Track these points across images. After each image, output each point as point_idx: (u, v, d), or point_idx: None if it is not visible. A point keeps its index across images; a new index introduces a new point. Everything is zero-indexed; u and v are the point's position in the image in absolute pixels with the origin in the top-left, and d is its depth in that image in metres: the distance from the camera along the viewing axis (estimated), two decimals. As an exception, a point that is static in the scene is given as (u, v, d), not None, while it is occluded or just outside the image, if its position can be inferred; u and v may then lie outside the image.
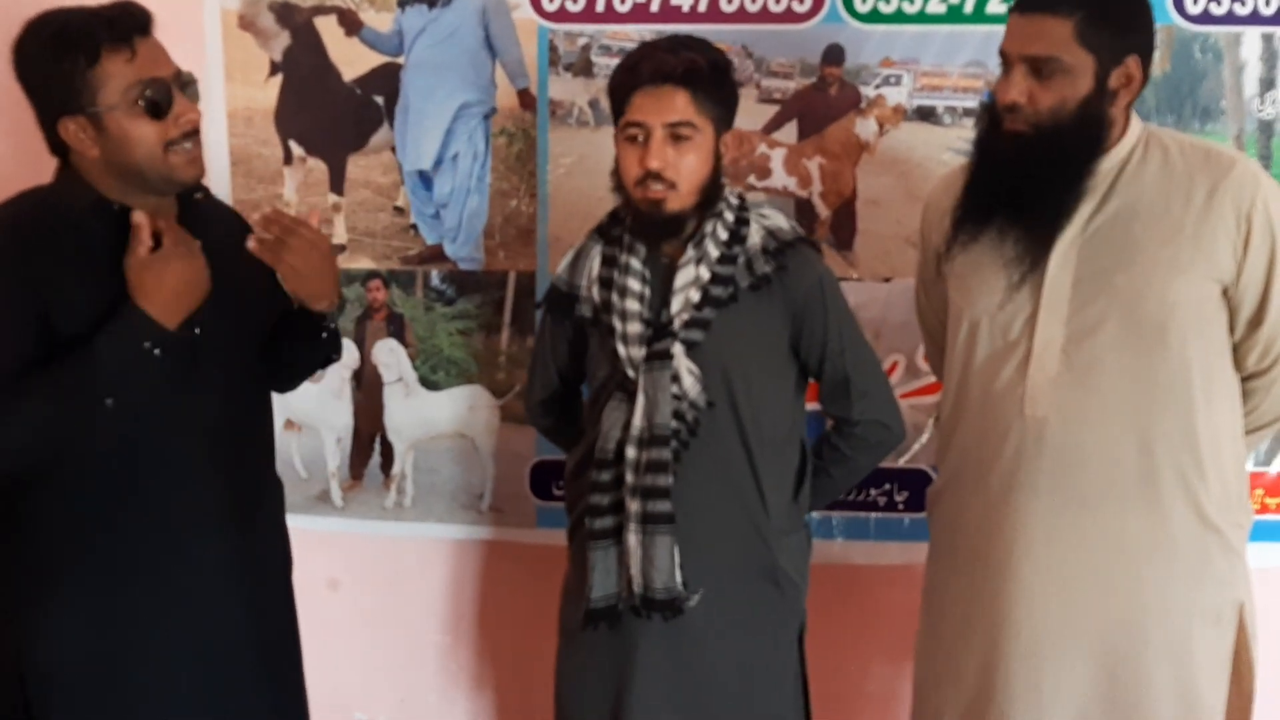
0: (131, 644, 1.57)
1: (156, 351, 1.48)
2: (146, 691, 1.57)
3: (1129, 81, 1.56)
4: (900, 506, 2.26)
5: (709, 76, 1.68)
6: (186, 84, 1.54)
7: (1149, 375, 1.57)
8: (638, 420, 1.68)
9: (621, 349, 1.70)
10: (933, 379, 2.22)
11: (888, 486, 2.25)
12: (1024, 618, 1.61)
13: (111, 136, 1.49)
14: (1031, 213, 1.58)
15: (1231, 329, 1.61)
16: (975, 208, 1.64)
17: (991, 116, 1.61)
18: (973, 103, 2.17)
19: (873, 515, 2.27)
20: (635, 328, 1.69)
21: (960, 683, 1.69)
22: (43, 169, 1.60)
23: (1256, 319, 1.59)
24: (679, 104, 1.64)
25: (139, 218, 1.49)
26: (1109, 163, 1.59)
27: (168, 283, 1.49)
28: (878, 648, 2.38)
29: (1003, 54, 1.58)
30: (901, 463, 2.24)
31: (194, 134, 1.53)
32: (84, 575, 1.55)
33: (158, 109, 1.49)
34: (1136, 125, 1.62)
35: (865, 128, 2.20)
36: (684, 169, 1.65)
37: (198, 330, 1.57)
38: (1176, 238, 1.56)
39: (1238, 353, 1.63)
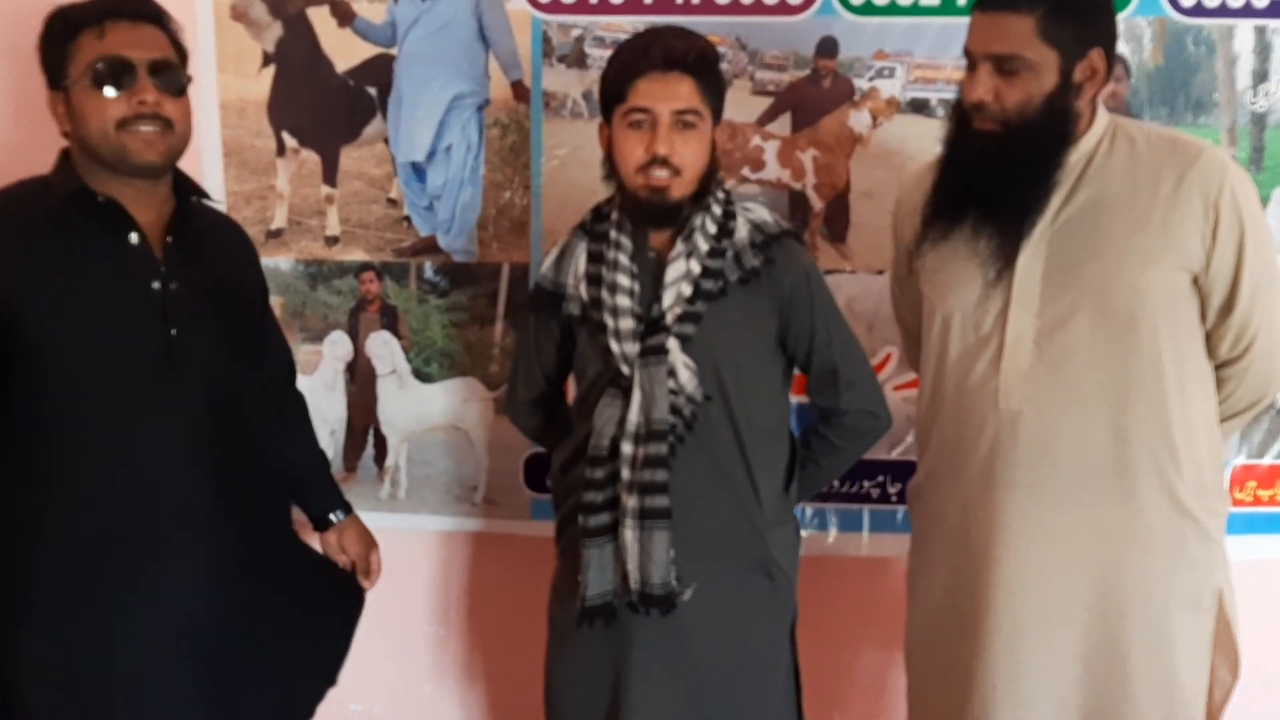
0: (108, 639, 1.56)
1: None
2: (124, 685, 1.57)
3: (1093, 74, 1.56)
4: (893, 498, 2.27)
5: (711, 66, 1.68)
6: (159, 70, 1.55)
7: (1121, 365, 1.57)
8: (634, 416, 1.67)
9: (615, 345, 1.69)
10: (926, 371, 2.24)
11: (881, 478, 2.26)
12: (1004, 609, 1.62)
13: (75, 112, 1.54)
14: (1004, 209, 1.58)
15: (1203, 317, 1.62)
16: (946, 205, 1.64)
17: (959, 115, 1.61)
18: (966, 95, 2.17)
19: (866, 507, 2.28)
20: (628, 323, 1.68)
21: (946, 674, 1.70)
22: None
23: (1227, 307, 1.60)
24: (685, 91, 1.64)
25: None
26: (1076, 155, 1.59)
27: None
28: (870, 639, 2.39)
29: (967, 53, 1.58)
30: (894, 454, 2.25)
31: (155, 119, 1.53)
32: (60, 571, 1.55)
33: (106, 83, 1.51)
34: (1103, 117, 1.63)
35: (859, 120, 2.20)
36: (689, 156, 1.65)
37: (174, 331, 1.57)
38: (1145, 227, 1.56)
39: (1210, 341, 1.63)
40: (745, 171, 2.22)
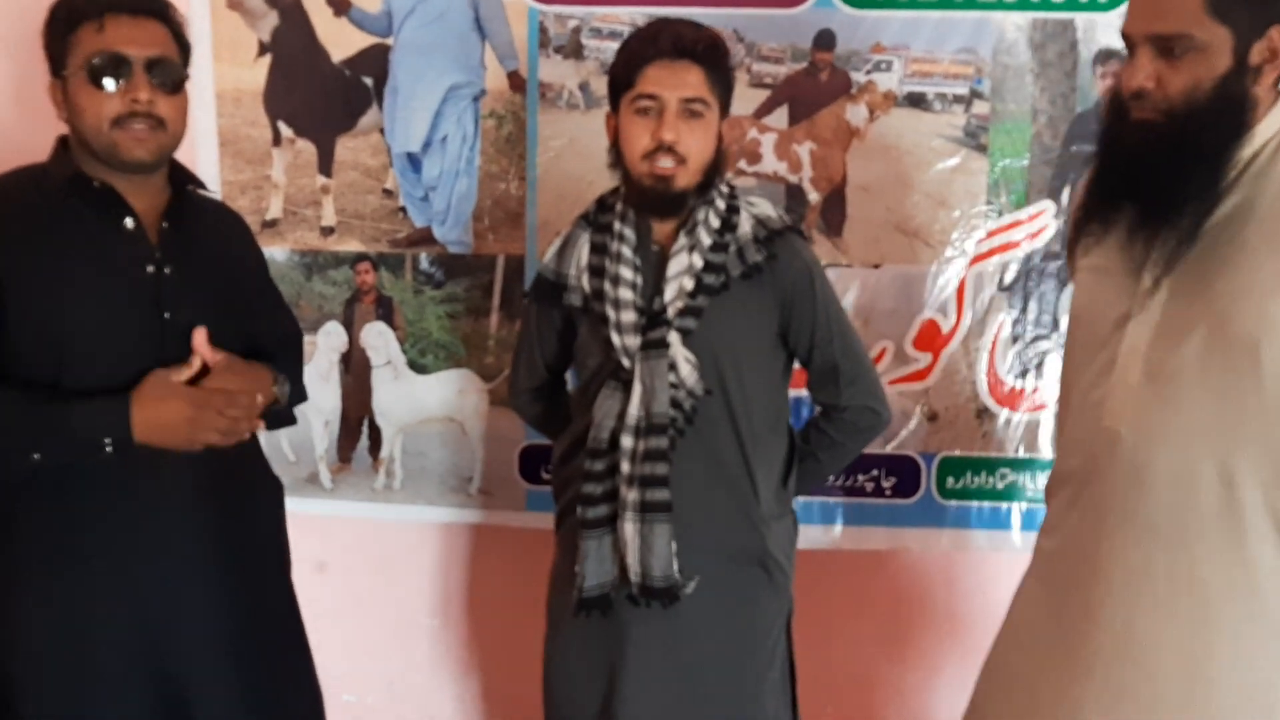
0: (90, 622, 1.56)
1: (108, 449, 1.52)
2: (104, 669, 1.57)
3: (1274, 55, 1.35)
4: (887, 492, 2.27)
5: (720, 57, 1.68)
6: (156, 66, 1.55)
7: (1236, 399, 1.35)
8: (634, 409, 1.67)
9: (616, 338, 1.69)
10: (921, 365, 2.24)
11: (875, 472, 2.26)
12: (1078, 640, 1.46)
13: (70, 103, 1.55)
14: (1166, 209, 1.39)
15: None
16: (1102, 206, 1.47)
17: (1117, 106, 1.43)
18: (963, 89, 2.17)
19: (861, 501, 2.28)
20: (629, 316, 1.68)
21: (1011, 685, 1.58)
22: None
23: None
24: (693, 80, 1.64)
25: (202, 348, 1.56)
26: (1246, 149, 1.38)
27: (163, 415, 1.53)
28: (864, 632, 2.39)
29: (1125, 37, 1.40)
30: (889, 449, 2.25)
31: (147, 117, 1.54)
32: (46, 552, 1.55)
33: (102, 78, 1.52)
34: None
35: (856, 113, 2.20)
36: (695, 146, 1.65)
37: (167, 315, 1.58)
38: None
39: None
40: (742, 164, 2.22)
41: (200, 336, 1.56)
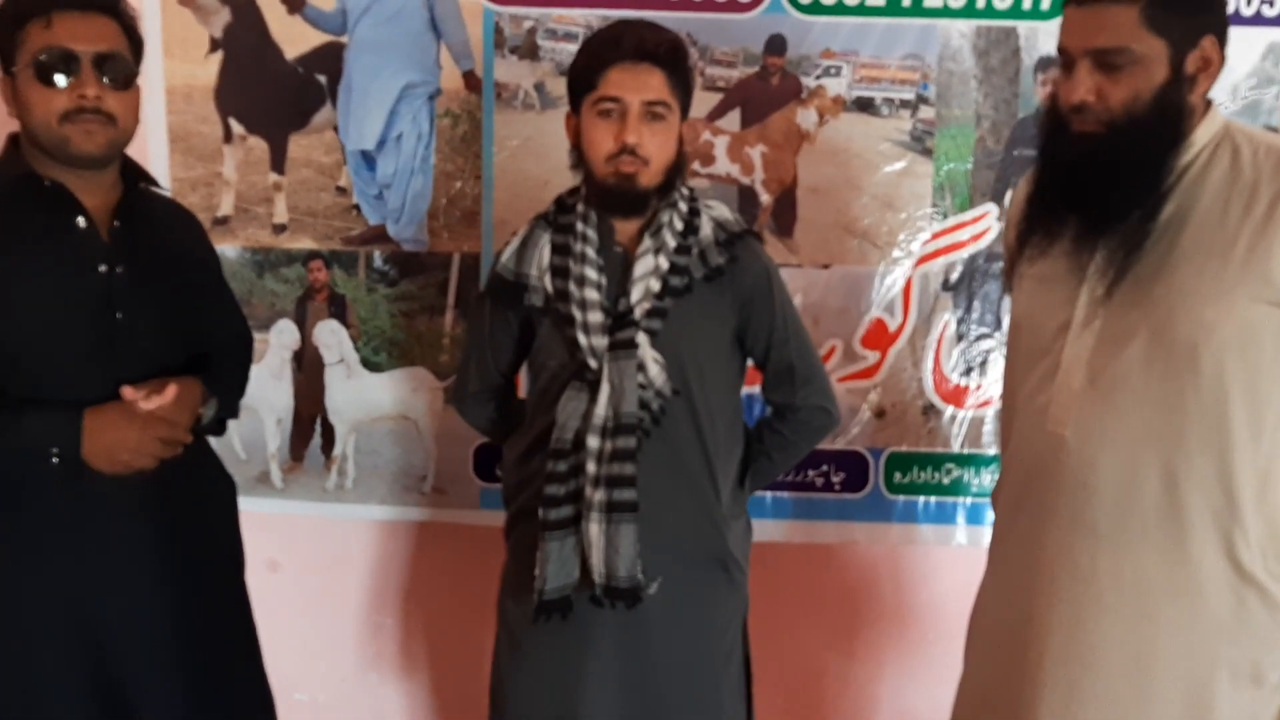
0: (31, 622, 1.56)
1: (55, 460, 1.52)
2: (44, 669, 1.56)
3: (1207, 65, 1.40)
4: (837, 487, 2.32)
5: (681, 59, 1.70)
6: (105, 62, 1.54)
7: (1177, 402, 1.39)
8: (601, 410, 1.67)
9: (583, 338, 1.69)
10: (869, 363, 2.29)
11: (825, 468, 2.31)
12: (1028, 642, 1.50)
13: (20, 100, 1.55)
14: (1110, 218, 1.42)
15: None
16: (1046, 216, 1.50)
17: (1055, 119, 1.46)
18: (909, 94, 2.23)
19: (810, 496, 2.32)
20: (596, 317, 1.69)
21: (971, 687, 1.63)
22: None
23: None
24: (655, 83, 1.65)
25: (169, 393, 1.56)
26: (1177, 159, 1.43)
27: (107, 438, 1.53)
28: (814, 625, 2.44)
29: (1062, 51, 1.43)
30: (839, 444, 2.30)
31: (97, 113, 1.53)
32: None
33: (49, 74, 1.52)
34: (1214, 121, 1.44)
35: (806, 117, 2.24)
36: (657, 148, 1.66)
37: (119, 315, 1.57)
38: (1226, 253, 1.37)
39: None
40: (696, 166, 2.25)
41: (170, 390, 1.56)
